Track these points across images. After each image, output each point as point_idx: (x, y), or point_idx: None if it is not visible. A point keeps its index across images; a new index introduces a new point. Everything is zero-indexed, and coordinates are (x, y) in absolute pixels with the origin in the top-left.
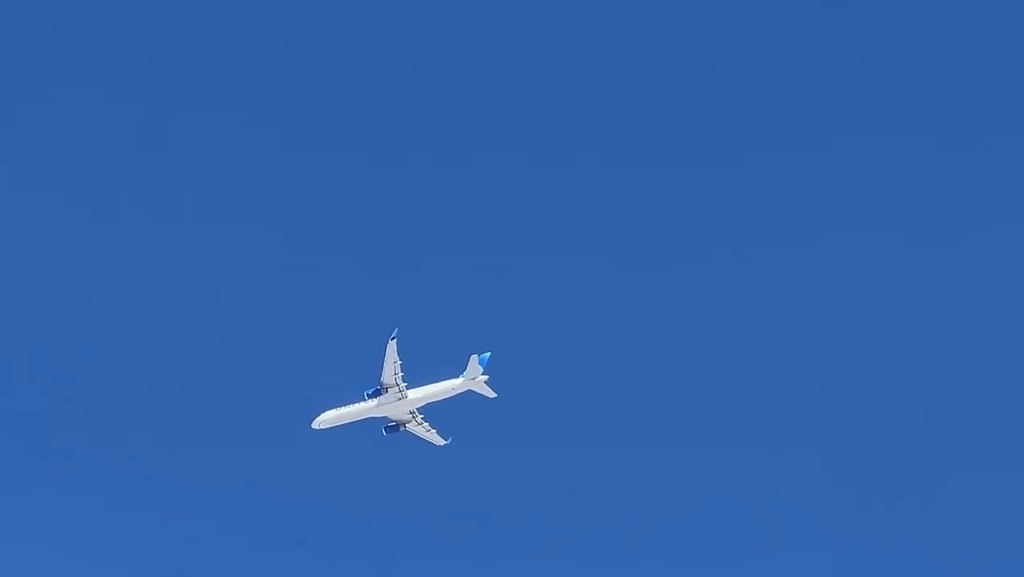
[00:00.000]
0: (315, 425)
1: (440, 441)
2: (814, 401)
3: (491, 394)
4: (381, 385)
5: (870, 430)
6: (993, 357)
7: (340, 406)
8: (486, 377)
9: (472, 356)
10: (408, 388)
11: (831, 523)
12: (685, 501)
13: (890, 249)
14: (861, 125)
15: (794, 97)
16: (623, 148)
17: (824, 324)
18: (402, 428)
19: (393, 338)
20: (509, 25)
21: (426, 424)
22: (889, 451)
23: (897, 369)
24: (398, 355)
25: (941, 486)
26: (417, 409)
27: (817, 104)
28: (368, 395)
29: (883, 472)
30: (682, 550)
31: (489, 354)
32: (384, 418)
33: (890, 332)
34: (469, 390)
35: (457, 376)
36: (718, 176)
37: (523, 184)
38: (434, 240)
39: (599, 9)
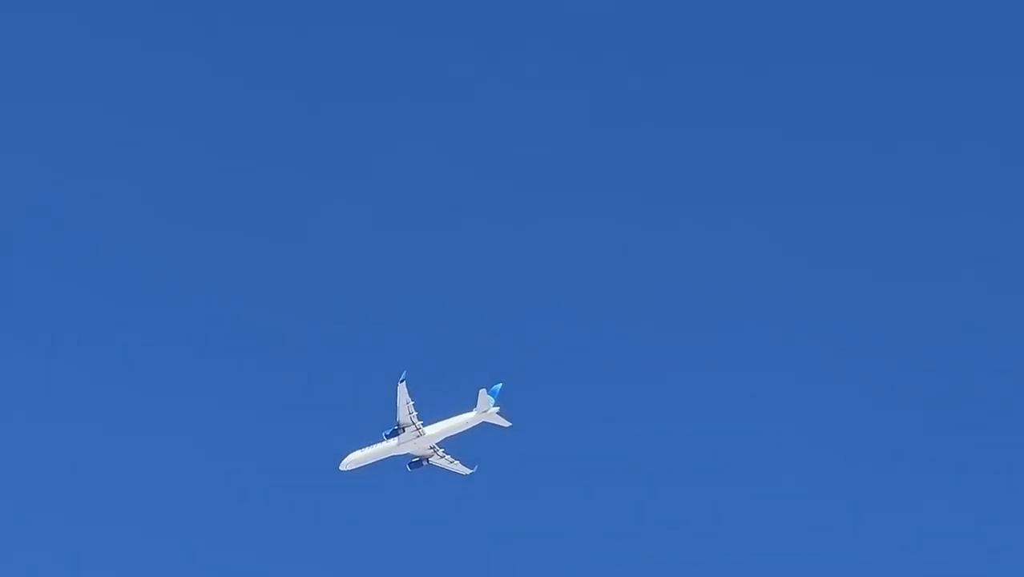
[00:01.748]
0: (342, 467)
1: (465, 471)
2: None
3: (505, 424)
4: (398, 425)
5: None
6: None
7: (364, 447)
8: (497, 408)
9: (480, 390)
10: (424, 425)
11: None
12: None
13: None
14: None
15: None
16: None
17: None
18: (425, 463)
19: (402, 380)
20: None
21: (448, 456)
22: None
23: None
24: (409, 395)
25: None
26: (437, 443)
27: None
28: (386, 436)
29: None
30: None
31: (500, 385)
32: (407, 455)
33: None
34: (484, 422)
35: (471, 409)
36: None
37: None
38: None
39: None
